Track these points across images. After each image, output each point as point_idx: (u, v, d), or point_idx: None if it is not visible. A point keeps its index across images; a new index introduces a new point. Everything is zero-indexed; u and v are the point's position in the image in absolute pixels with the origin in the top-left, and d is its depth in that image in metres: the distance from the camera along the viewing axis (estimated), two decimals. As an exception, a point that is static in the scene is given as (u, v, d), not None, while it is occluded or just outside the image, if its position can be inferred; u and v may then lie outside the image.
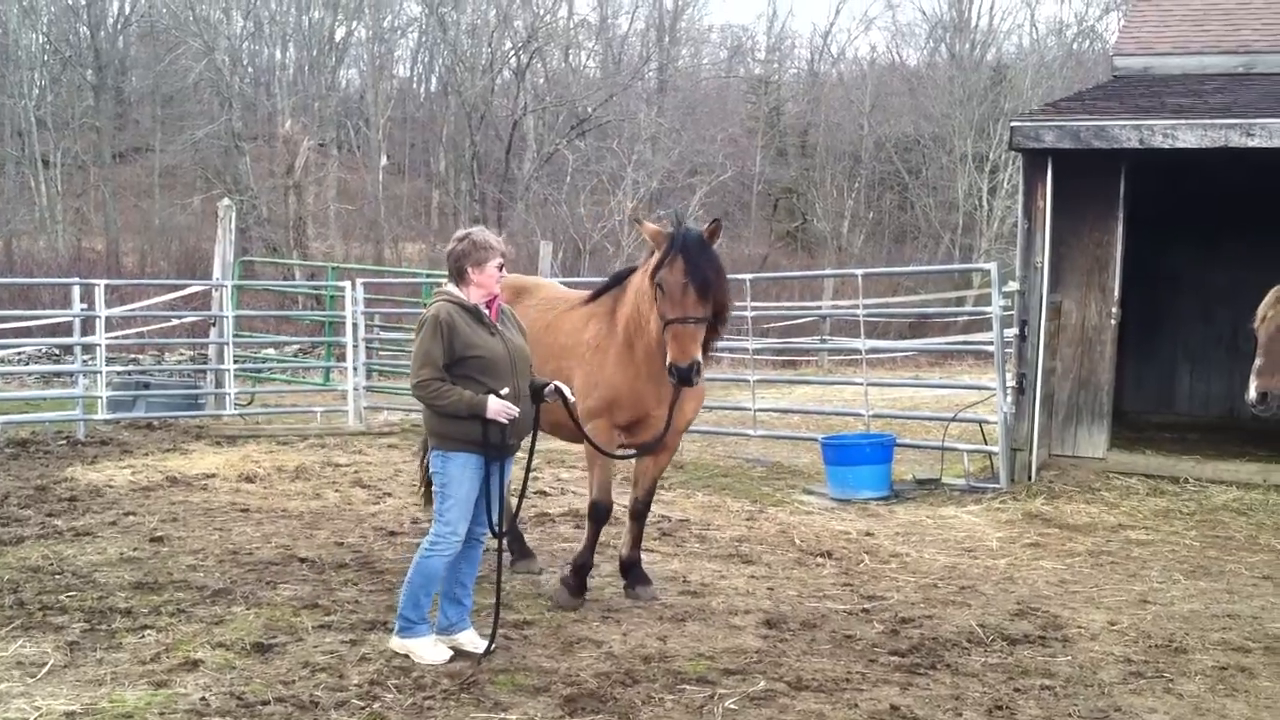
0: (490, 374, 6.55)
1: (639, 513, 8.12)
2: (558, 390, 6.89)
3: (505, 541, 7.46)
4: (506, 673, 6.46)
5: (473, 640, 6.85)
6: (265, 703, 5.97)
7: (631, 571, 8.14)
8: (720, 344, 9.36)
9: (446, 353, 6.49)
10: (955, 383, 19.60)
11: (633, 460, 8.21)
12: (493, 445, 6.57)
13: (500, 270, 6.71)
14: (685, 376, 7.07)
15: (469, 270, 6.64)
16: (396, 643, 6.78)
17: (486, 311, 6.70)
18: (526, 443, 6.98)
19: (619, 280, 8.07)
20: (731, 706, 6.06)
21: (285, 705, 5.95)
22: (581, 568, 7.96)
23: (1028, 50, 50.69)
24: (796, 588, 8.43)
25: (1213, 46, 14.82)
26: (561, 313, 8.31)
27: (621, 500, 8.33)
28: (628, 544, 8.19)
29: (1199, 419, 15.83)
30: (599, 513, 7.92)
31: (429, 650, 6.68)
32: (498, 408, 6.48)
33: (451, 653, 6.73)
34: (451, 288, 6.74)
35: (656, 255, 7.35)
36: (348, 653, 6.77)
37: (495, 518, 6.77)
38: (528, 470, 7.41)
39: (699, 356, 7.10)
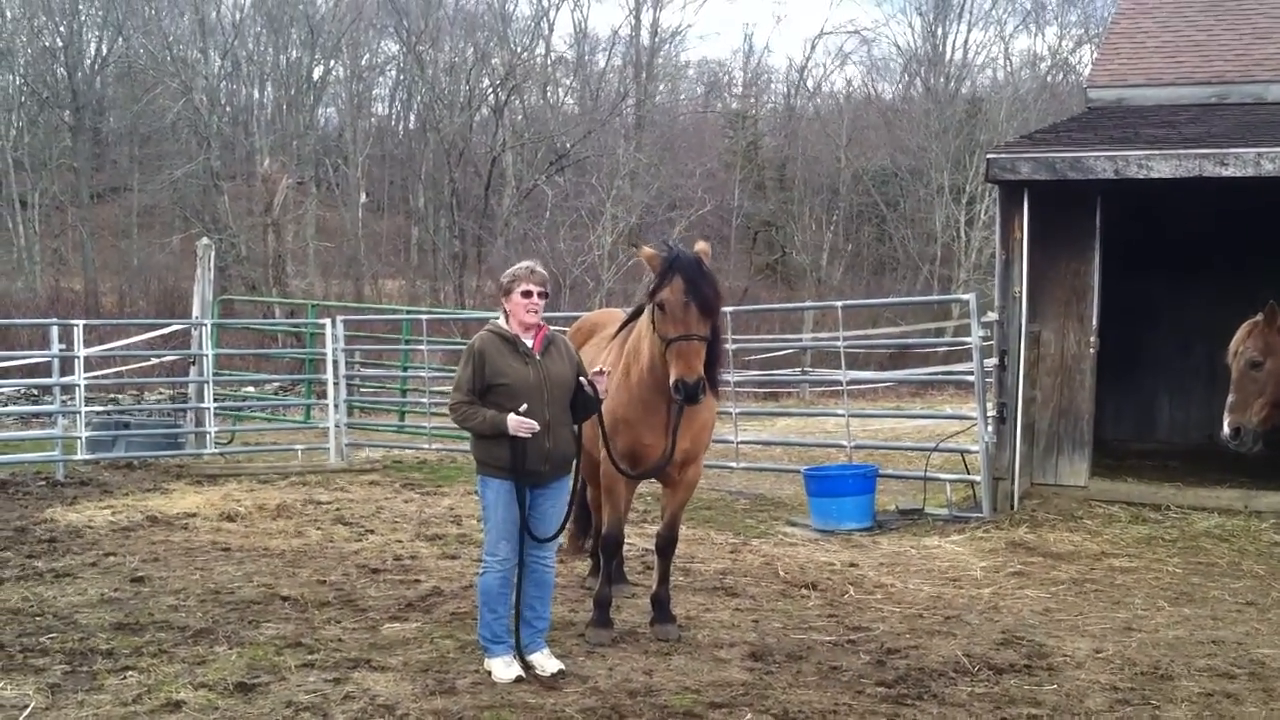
0: (517, 402, 6.79)
1: (661, 548, 8.10)
2: (589, 382, 7.08)
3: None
4: (492, 709, 6.43)
5: (545, 661, 7.07)
6: (249, 743, 5.94)
7: (656, 607, 8.07)
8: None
9: (478, 379, 6.82)
10: (936, 413, 19.62)
11: (659, 498, 8.30)
12: (519, 470, 6.82)
13: (529, 298, 6.91)
14: (692, 393, 6.99)
15: (503, 300, 7.04)
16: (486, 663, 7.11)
17: (527, 342, 6.94)
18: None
19: (639, 313, 8.08)
20: (719, 740, 6.05)
21: (269, 745, 5.91)
22: (600, 602, 7.99)
23: (1002, 83, 51.10)
24: (782, 619, 8.43)
25: (1185, 78, 14.94)
26: (601, 346, 8.46)
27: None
28: (655, 579, 8.19)
29: (1179, 446, 15.84)
30: (608, 546, 8.06)
31: (499, 669, 6.95)
32: (515, 423, 6.73)
33: (520, 673, 6.91)
34: (500, 319, 7.07)
35: (654, 277, 7.33)
36: (332, 692, 6.73)
37: (550, 534, 7.09)
38: (580, 491, 7.68)
39: (703, 373, 7.07)
